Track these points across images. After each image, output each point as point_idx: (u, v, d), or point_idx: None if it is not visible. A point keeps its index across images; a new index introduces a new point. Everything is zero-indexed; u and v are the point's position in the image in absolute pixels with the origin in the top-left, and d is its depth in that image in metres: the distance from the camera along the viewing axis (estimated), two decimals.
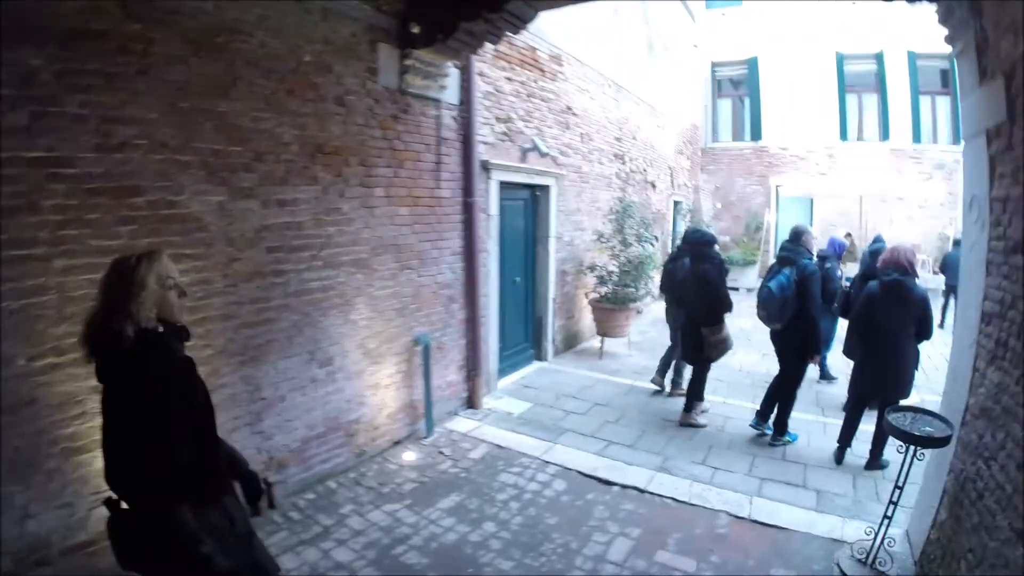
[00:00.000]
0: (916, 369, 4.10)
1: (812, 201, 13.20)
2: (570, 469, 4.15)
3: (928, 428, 2.73)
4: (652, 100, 9.85)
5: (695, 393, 5.01)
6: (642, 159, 9.16)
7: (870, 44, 12.76)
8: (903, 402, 3.68)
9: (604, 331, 6.87)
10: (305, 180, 3.50)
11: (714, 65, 14.37)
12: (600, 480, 4.00)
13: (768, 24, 13.55)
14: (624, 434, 4.78)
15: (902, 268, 3.89)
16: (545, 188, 6.59)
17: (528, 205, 6.53)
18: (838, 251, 5.94)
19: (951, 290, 10.28)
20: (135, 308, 1.53)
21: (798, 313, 4.33)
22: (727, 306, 4.86)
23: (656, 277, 8.69)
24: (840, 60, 12.99)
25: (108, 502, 1.62)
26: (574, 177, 7.02)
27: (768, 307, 4.41)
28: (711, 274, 4.85)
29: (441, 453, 4.38)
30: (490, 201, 5.51)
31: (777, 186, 13.26)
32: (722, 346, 4.87)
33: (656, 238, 7.25)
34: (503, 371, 6.11)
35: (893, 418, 2.85)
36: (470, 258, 5.20)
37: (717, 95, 14.63)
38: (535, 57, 6.20)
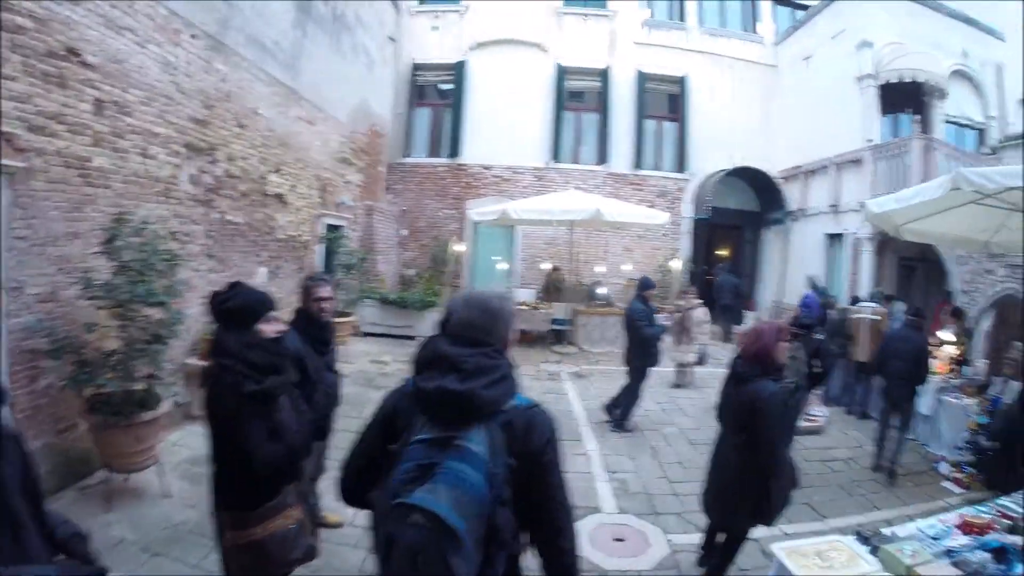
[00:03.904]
0: (763, 498, 2.76)
1: (515, 228, 12.08)
2: None
3: None
4: (296, 82, 7.21)
5: None
6: (258, 159, 6.33)
7: (596, 59, 12.19)
8: None
9: (108, 461, 3.71)
10: None
11: (416, 67, 12.51)
12: None
13: (483, 27, 12.17)
14: None
15: (753, 357, 2.78)
16: None
17: None
18: (815, 312, 3.88)
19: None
20: None
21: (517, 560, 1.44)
22: (301, 446, 2.16)
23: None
24: (560, 73, 12.25)
25: None
26: (67, 175, 3.85)
27: None
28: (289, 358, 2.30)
29: None
30: None
31: (473, 211, 11.89)
32: (278, 544, 2.05)
33: (174, 290, 4.10)
34: None
35: None
36: None
37: (416, 102, 12.75)
38: None
